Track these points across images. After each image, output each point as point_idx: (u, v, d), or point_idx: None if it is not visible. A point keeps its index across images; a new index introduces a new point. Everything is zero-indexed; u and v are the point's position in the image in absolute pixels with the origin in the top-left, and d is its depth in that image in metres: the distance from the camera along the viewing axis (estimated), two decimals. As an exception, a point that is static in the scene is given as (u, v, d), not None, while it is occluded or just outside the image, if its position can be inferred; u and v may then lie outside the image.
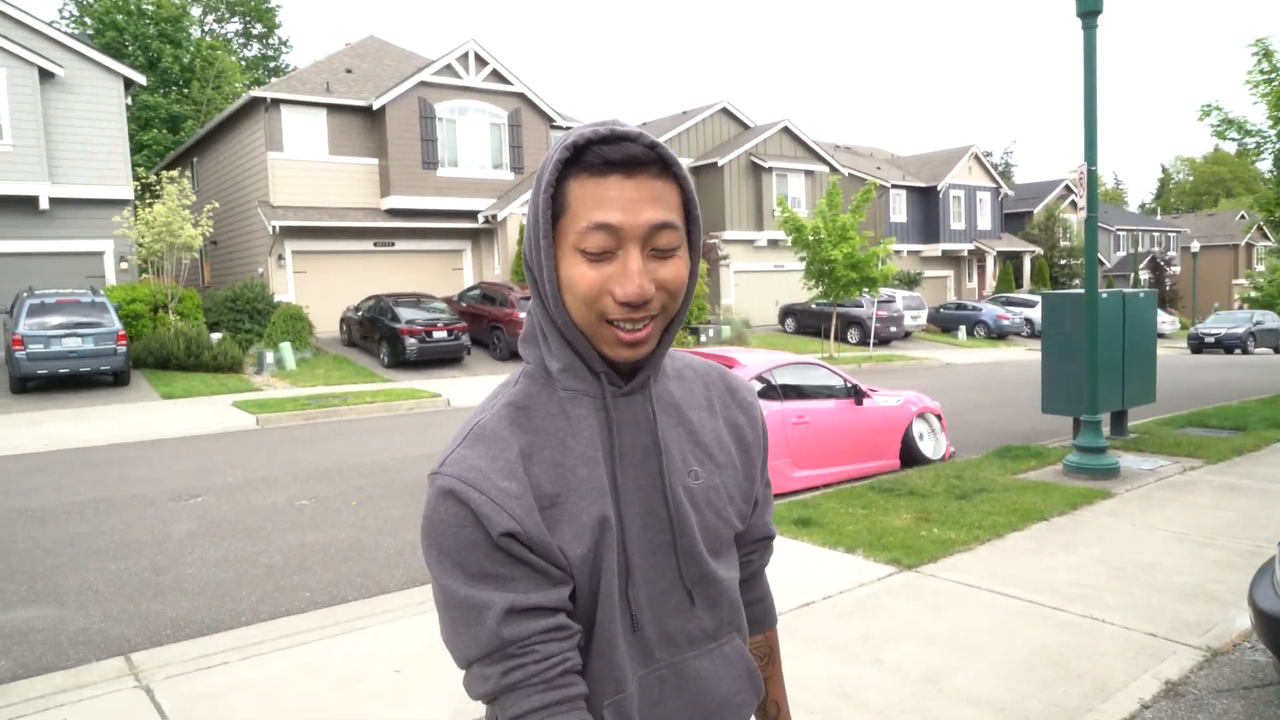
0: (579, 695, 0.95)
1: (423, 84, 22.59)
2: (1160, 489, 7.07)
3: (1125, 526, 5.93)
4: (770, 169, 29.36)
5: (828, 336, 24.43)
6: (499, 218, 22.93)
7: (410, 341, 17.97)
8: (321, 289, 21.97)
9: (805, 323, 27.35)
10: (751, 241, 29.53)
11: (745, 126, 31.01)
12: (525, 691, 0.93)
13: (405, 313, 18.49)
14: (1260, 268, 40.42)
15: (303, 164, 21.92)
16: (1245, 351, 28.76)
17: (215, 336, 18.07)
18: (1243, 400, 13.16)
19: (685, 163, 29.54)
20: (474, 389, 16.13)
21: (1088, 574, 4.92)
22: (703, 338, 23.15)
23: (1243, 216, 53.93)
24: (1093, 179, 7.56)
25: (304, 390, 15.85)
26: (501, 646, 0.93)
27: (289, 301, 20.40)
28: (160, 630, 4.83)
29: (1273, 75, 12.42)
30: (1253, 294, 38.22)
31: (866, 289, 22.50)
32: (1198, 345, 29.48)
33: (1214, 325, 30.14)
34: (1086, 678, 3.58)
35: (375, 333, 18.99)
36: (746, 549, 1.21)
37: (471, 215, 23.53)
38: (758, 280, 29.77)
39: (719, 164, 28.73)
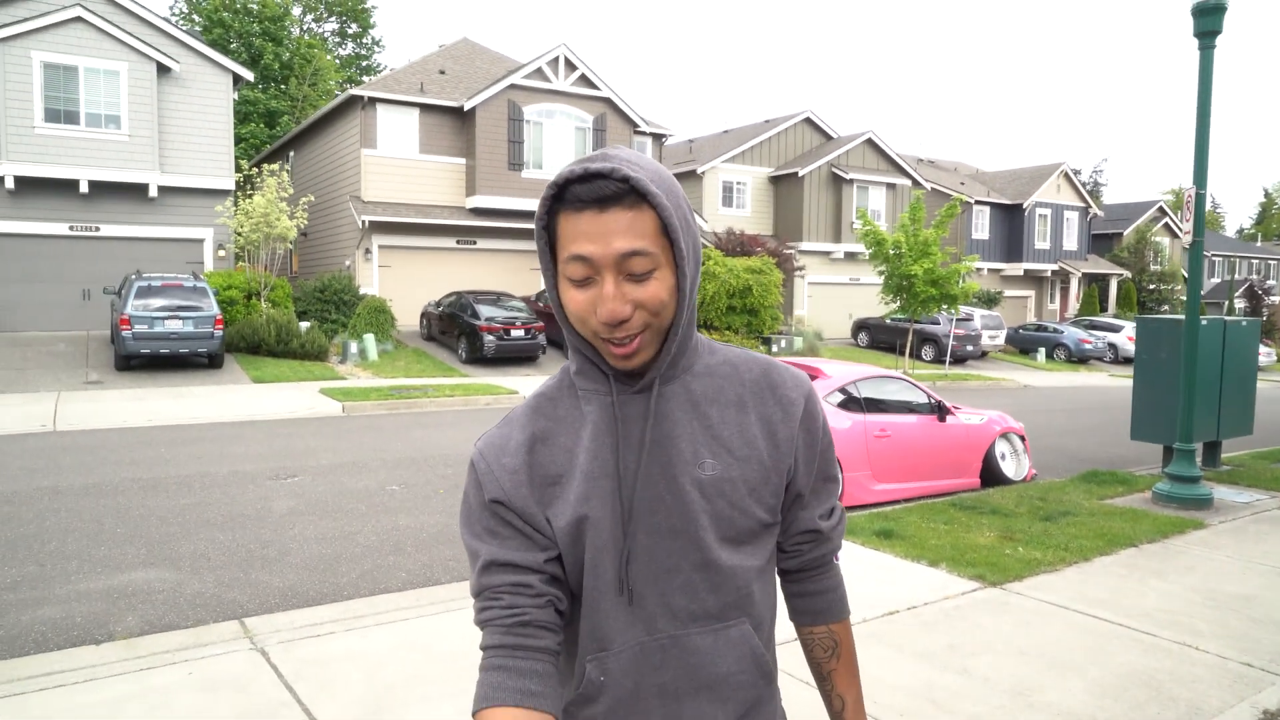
0: (537, 647, 1.09)
1: (512, 86, 23.13)
2: (1256, 522, 6.88)
3: (1219, 557, 5.81)
4: (851, 180, 29.14)
5: (902, 352, 24.13)
6: (578, 220, 23.33)
7: (489, 338, 18.42)
8: (404, 283, 22.65)
9: (879, 337, 27.05)
10: (828, 253, 29.34)
11: (828, 137, 30.86)
12: (490, 630, 1.11)
13: (485, 310, 18.95)
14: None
15: (394, 161, 22.67)
16: (1349, 388, 27.38)
17: (304, 325, 18.80)
18: (1347, 438, 12.60)
19: (765, 172, 29.60)
20: (549, 387, 16.45)
21: (1180, 601, 4.86)
22: (775, 348, 23.12)
23: (1351, 246, 51.24)
24: (1200, 202, 7.41)
25: (386, 381, 16.40)
26: (481, 591, 1.13)
27: (373, 294, 21.11)
28: (269, 598, 5.14)
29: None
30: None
31: (945, 306, 22.17)
32: (1297, 378, 28.17)
33: (1315, 359, 28.77)
34: (1181, 702, 3.58)
35: (455, 328, 19.50)
36: (794, 540, 1.27)
37: (552, 217, 23.98)
38: (832, 292, 29.57)
39: (799, 174, 28.65)
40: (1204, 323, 8.46)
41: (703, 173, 28.51)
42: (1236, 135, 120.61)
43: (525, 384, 16.63)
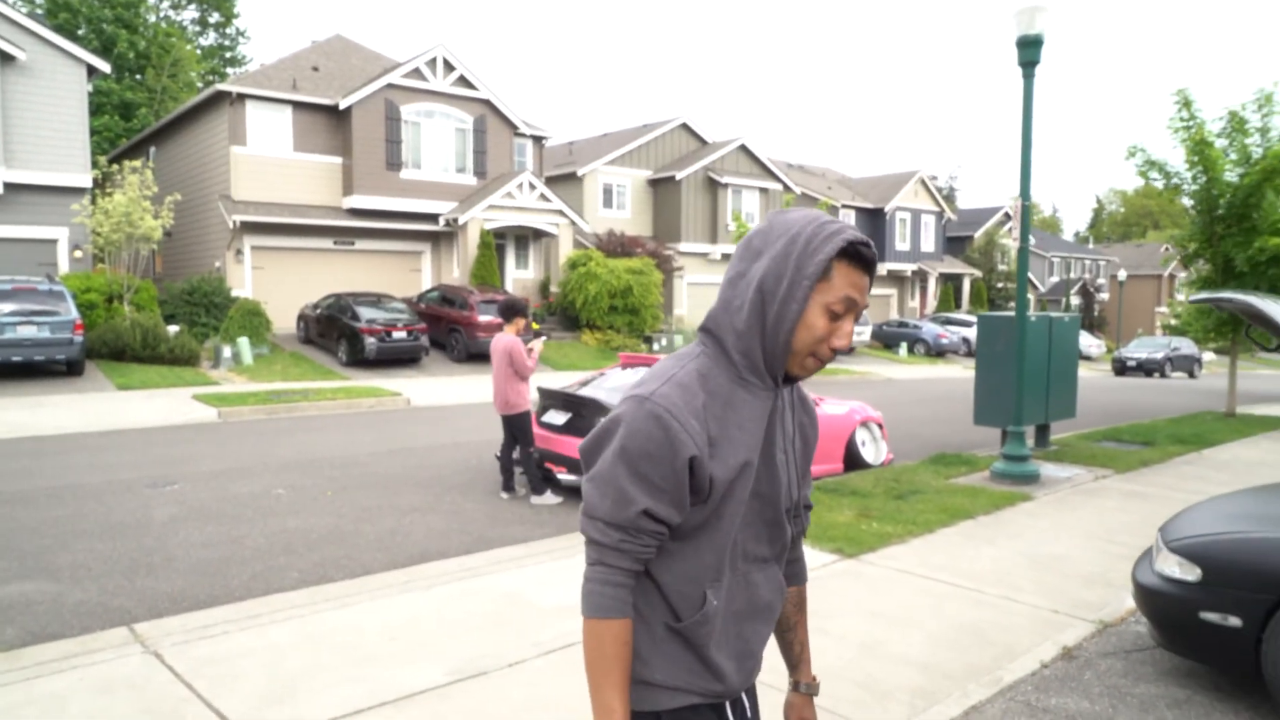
0: (637, 576, 1.41)
1: (390, 86, 22.77)
2: (1074, 494, 7.79)
3: (1042, 525, 6.59)
4: (726, 184, 30.11)
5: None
6: (460, 221, 23.19)
7: (370, 341, 18.14)
8: (279, 285, 21.95)
9: (755, 334, 28.09)
10: (705, 254, 30.22)
11: (703, 142, 31.74)
12: (622, 555, 1.37)
13: (365, 312, 18.65)
14: (1180, 297, 42.53)
15: (266, 160, 21.92)
16: (1163, 375, 30.37)
17: (172, 329, 17.99)
18: (1154, 419, 14.17)
19: (644, 175, 30.20)
20: (434, 389, 16.40)
21: (1006, 563, 5.54)
22: (655, 346, 23.69)
23: (1166, 249, 56.56)
24: (1025, 213, 8.27)
25: (263, 385, 15.93)
26: (627, 525, 1.36)
27: (247, 297, 20.38)
28: (159, 603, 5.11)
29: (1190, 123, 13.46)
30: (1172, 322, 40.18)
31: (815, 304, 23.28)
32: (1120, 368, 31.02)
33: (1135, 350, 31.75)
34: (999, 644, 4.16)
35: (334, 331, 19.09)
36: (794, 512, 1.57)
37: (432, 218, 23.75)
38: (710, 292, 30.47)
39: (677, 178, 29.38)
40: (1032, 319, 9.41)
41: (583, 175, 28.84)
42: (1076, 146, 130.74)
43: (410, 386, 16.50)
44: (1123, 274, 43.95)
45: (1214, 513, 3.99)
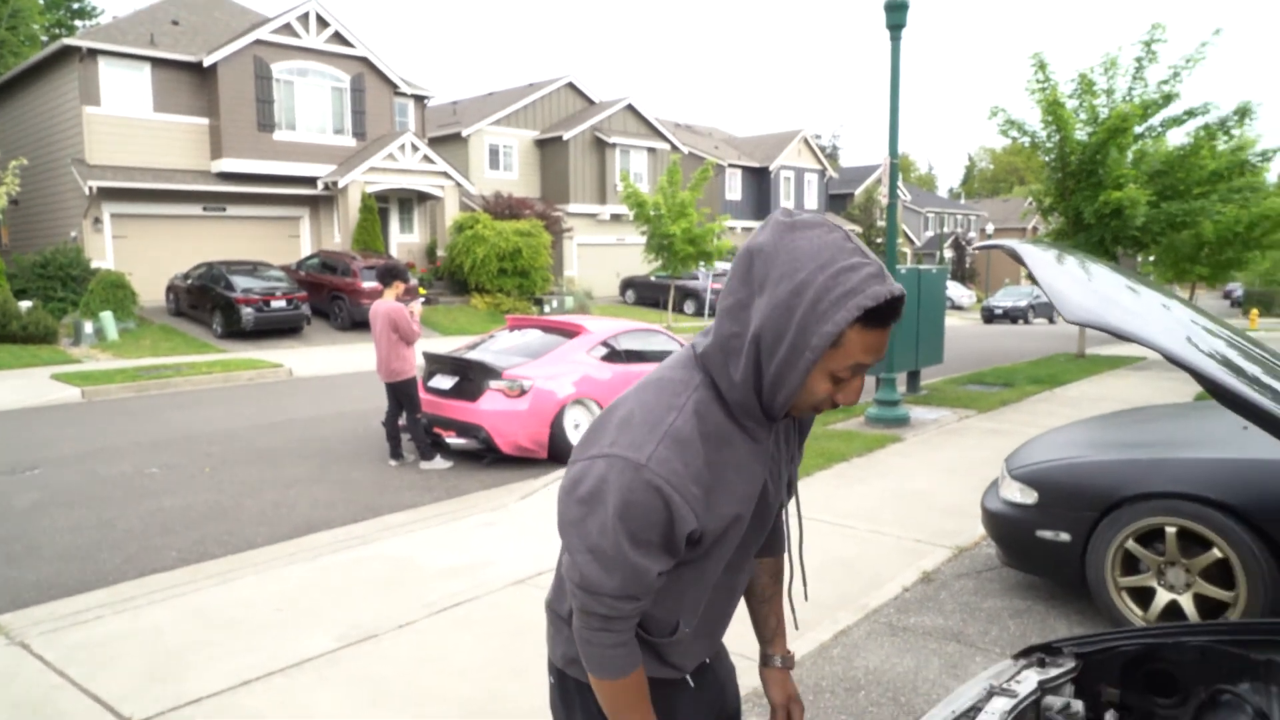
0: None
1: (259, 42, 21.55)
2: (940, 434, 8.32)
3: (909, 464, 7.03)
4: (614, 145, 30.00)
5: (666, 307, 25.50)
6: (340, 185, 22.34)
7: (246, 311, 17.39)
8: (145, 255, 20.67)
9: (645, 294, 28.35)
10: (595, 215, 30.14)
11: (590, 102, 31.45)
12: (631, 619, 1.28)
13: (241, 281, 17.83)
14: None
15: (124, 121, 20.45)
16: (1026, 322, 32.40)
17: (24, 305, 16.73)
18: (1015, 363, 15.16)
19: (530, 135, 29.73)
20: (317, 359, 15.91)
21: (876, 501, 5.90)
22: (546, 308, 23.60)
23: (1029, 203, 59.93)
24: (894, 170, 8.64)
25: (131, 362, 15.08)
26: (643, 594, 1.25)
27: (108, 268, 19.11)
28: (22, 594, 4.86)
29: (1045, 85, 14.25)
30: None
31: (703, 262, 23.64)
32: (989, 316, 32.89)
33: (1002, 299, 33.68)
34: (867, 574, 4.46)
35: (207, 302, 18.20)
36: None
37: (310, 181, 22.77)
38: (600, 253, 30.46)
39: (564, 138, 29.08)
40: (902, 271, 9.88)
41: (468, 135, 28.17)
42: (951, 106, 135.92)
43: (292, 357, 15.95)
44: (990, 228, 46.31)
45: (1050, 443, 4.36)
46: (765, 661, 1.65)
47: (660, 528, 1.20)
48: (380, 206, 23.95)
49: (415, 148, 23.65)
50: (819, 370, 1.17)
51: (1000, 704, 1.52)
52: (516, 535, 5.47)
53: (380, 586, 4.60)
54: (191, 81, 21.38)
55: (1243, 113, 13.94)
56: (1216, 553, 3.50)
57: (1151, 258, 17.52)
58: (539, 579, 4.67)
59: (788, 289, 1.13)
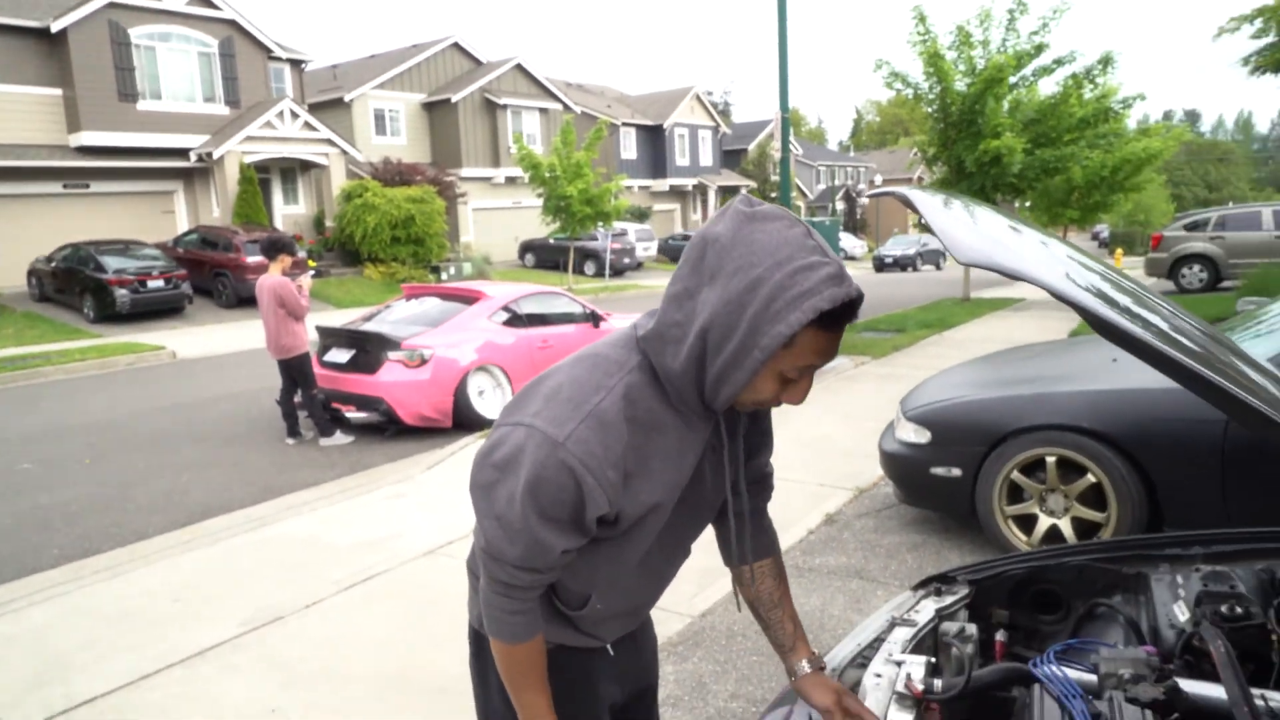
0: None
1: (113, 4, 19.97)
2: (838, 381, 8.61)
3: (810, 412, 7.24)
4: (505, 106, 29.34)
5: (566, 269, 25.31)
6: (214, 156, 21.12)
7: (121, 292, 16.36)
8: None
9: (544, 257, 28.07)
10: (489, 179, 29.53)
11: (478, 63, 30.59)
12: (532, 590, 1.26)
13: (112, 261, 16.74)
14: (927, 198, 46.88)
15: (-38, 92, 18.72)
16: (915, 269, 33.65)
17: None
18: (905, 309, 15.76)
19: (417, 98, 28.76)
20: (203, 340, 15.15)
21: (780, 448, 6.03)
22: (444, 276, 23.08)
23: (914, 153, 61.92)
24: (785, 124, 8.76)
25: (-6, 352, 14.02)
26: (542, 568, 1.23)
27: (-41, 253, 17.64)
28: (-117, 604, 4.50)
29: (926, 37, 14.64)
30: (921, 221, 44.16)
31: (601, 223, 23.53)
32: (880, 265, 33.99)
33: (892, 248, 34.83)
34: (776, 519, 4.57)
35: (75, 285, 17.02)
36: (749, 484, 1.47)
37: (182, 153, 21.45)
38: (497, 217, 29.92)
39: (453, 100, 28.25)
40: (796, 224, 10.08)
41: (351, 100, 27.03)
42: (839, 60, 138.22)
43: (174, 338, 15.13)
44: (879, 178, 47.67)
45: (941, 384, 4.56)
46: (793, 672, 1.48)
47: (569, 507, 1.17)
48: (261, 177, 22.79)
49: (295, 115, 22.55)
50: (767, 370, 1.13)
51: (901, 634, 1.59)
52: (426, 506, 5.38)
53: (286, 567, 4.46)
54: (39, 49, 19.71)
55: (1105, 61, 14.69)
56: (1091, 478, 3.74)
57: (1028, 203, 18.39)
58: (451, 548, 4.61)
59: (741, 284, 1.08)
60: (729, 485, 1.35)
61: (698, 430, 1.25)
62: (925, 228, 44.41)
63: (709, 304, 1.11)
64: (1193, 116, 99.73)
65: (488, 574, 1.25)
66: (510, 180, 29.51)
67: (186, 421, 8.61)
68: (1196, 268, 16.77)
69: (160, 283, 16.92)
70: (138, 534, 5.37)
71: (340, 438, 7.41)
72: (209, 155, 21.23)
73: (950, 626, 1.61)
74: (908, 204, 1.42)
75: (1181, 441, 3.51)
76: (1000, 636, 1.66)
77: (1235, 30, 14.09)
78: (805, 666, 1.47)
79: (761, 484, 1.53)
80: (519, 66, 30.15)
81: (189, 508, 5.83)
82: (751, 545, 1.50)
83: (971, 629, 1.60)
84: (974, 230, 1.38)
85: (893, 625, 1.62)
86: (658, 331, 1.19)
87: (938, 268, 34.98)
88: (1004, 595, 1.77)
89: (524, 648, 1.28)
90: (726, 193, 42.76)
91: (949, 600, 1.71)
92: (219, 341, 14.91)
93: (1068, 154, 14.84)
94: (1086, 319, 1.31)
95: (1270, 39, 13.57)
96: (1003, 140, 13.96)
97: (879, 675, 1.45)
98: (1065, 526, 3.86)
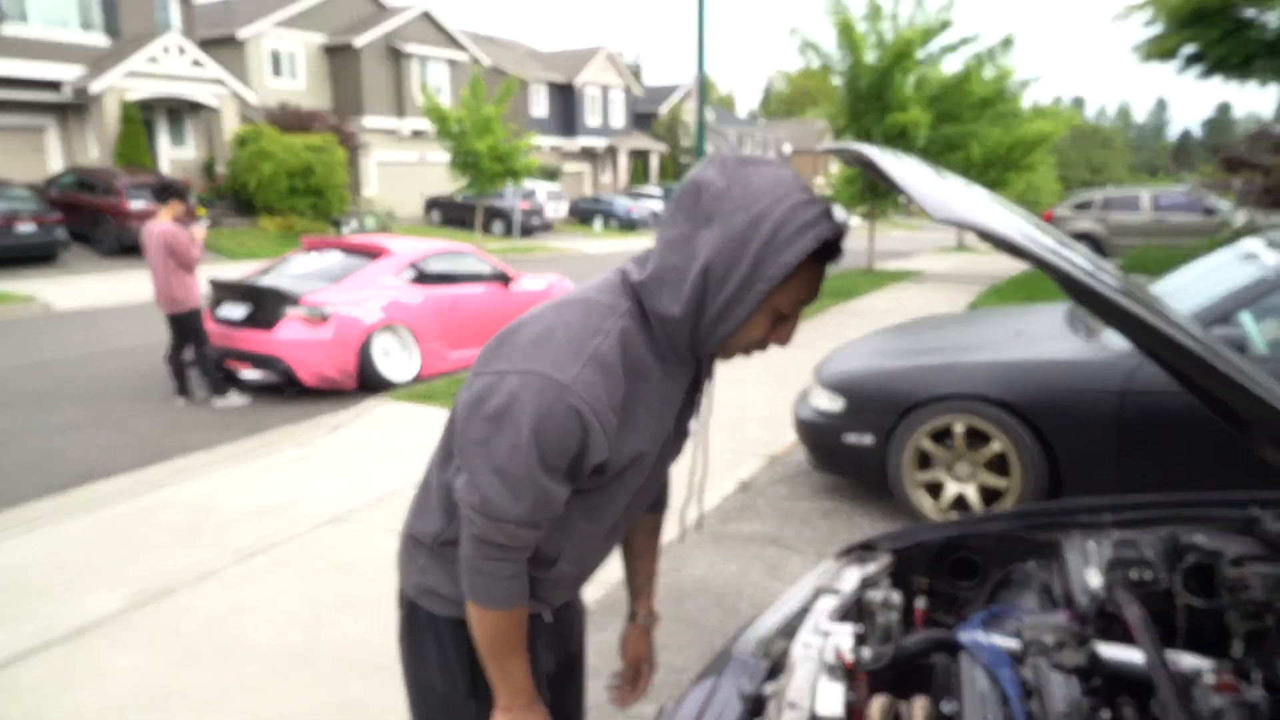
0: None
1: (-33, -84, 18.16)
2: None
3: (724, 377, 7.28)
4: (411, 55, 28.25)
5: (474, 228, 24.76)
6: (92, 90, 19.58)
7: (-15, 236, 15.11)
8: None
9: (451, 215, 27.37)
10: (394, 131, 28.48)
11: (381, 7, 29.28)
12: (528, 548, 1.23)
13: (-26, 201, 15.41)
14: (833, 169, 47.81)
15: None
16: (822, 239, 34.33)
17: None
18: (814, 278, 16.05)
19: (318, 40, 27.38)
20: (81, 290, 14.17)
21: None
22: (345, 230, 22.25)
23: (823, 124, 62.92)
24: (702, 86, 8.71)
25: None
26: (543, 522, 1.20)
27: None
28: None
29: (839, 6, 14.80)
30: (827, 192, 44.99)
31: (510, 181, 23.08)
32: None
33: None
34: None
35: (-69, 227, 15.61)
36: None
37: (54, 85, 19.79)
38: (401, 172, 28.93)
39: (355, 45, 27.00)
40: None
41: (245, 39, 25.47)
42: (749, 30, 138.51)
43: (48, 288, 14.09)
44: (788, 148, 48.31)
45: (855, 352, 4.66)
46: (628, 617, 1.63)
47: (572, 454, 1.15)
48: (145, 117, 21.31)
49: (183, 50, 21.11)
50: (765, 305, 1.16)
51: (827, 603, 1.60)
52: (328, 472, 5.20)
53: (178, 535, 4.23)
54: (-116, -41, 17.78)
55: (1006, 43, 15.23)
56: (996, 445, 3.90)
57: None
58: (357, 515, 4.47)
59: (744, 220, 1.11)
60: (680, 436, 1.36)
61: (677, 380, 1.26)
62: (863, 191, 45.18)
63: (709, 243, 1.13)
64: (1078, 102, 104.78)
65: (481, 538, 1.19)
66: (416, 134, 28.54)
67: (64, 379, 8.05)
68: (1084, 245, 17.70)
69: (30, 227, 15.69)
70: (8, 499, 5.00)
71: (235, 398, 7.07)
72: (85, 89, 19.69)
73: (875, 595, 1.64)
74: (862, 162, 1.38)
75: (1081, 411, 3.69)
76: (921, 604, 1.70)
77: (1127, 18, 14.78)
78: (639, 619, 1.63)
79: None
80: (426, 14, 29.04)
81: (69, 471, 5.46)
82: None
83: (895, 597, 1.62)
84: (946, 188, 1.36)
85: (818, 594, 1.63)
86: (656, 275, 1.18)
87: (842, 238, 35.83)
88: (925, 563, 1.81)
89: (516, 613, 1.24)
90: (637, 156, 42.53)
91: (873, 568, 1.73)
92: (100, 293, 13.97)
93: (969, 131, 15.35)
94: (1067, 287, 1.28)
95: (1158, 29, 14.30)
96: (909, 115, 14.32)
97: (807, 645, 1.46)
98: (970, 493, 4.02)
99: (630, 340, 1.19)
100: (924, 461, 4.13)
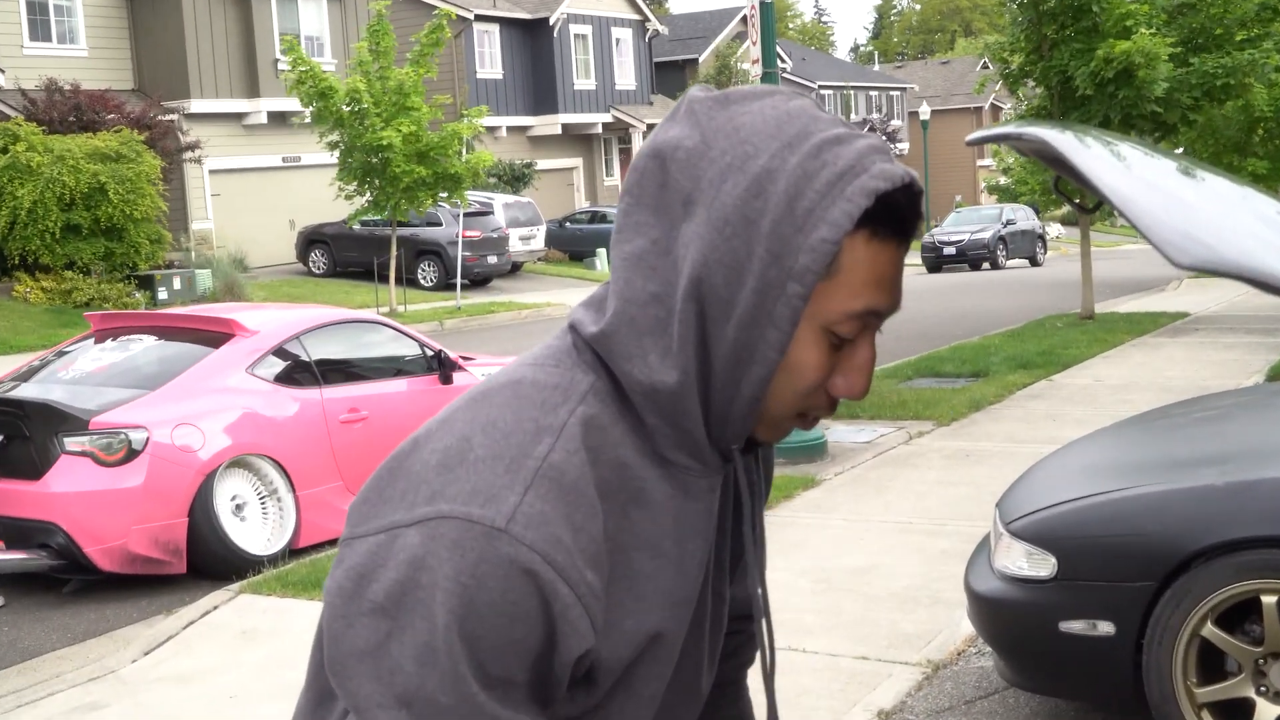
0: None
1: None
2: (879, 466, 8.76)
3: (834, 522, 7.33)
4: (265, -13, 29.34)
5: (384, 278, 25.03)
6: None
7: None
8: None
9: (346, 256, 27.92)
10: (241, 117, 29.36)
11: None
12: None
13: None
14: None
15: None
16: (994, 265, 34.56)
17: None
18: (985, 336, 16.17)
19: (105, -26, 28.44)
20: None
21: (786, 592, 6.06)
22: (162, 293, 22.63)
23: (985, 65, 63.90)
24: (768, 13, 8.89)
25: None
26: None
27: None
28: None
29: None
30: (1001, 180, 45.32)
31: (446, 193, 23.46)
32: (935, 260, 34.85)
33: (954, 229, 35.83)
34: (783, 725, 4.53)
35: None
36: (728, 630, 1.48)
37: None
38: (255, 184, 29.70)
39: (170, -23, 28.11)
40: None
41: (-17, -22, 26.64)
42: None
43: None
44: (926, 109, 48.97)
45: (1065, 468, 4.62)
46: None
47: (530, 650, 1.09)
48: None
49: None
50: (807, 324, 1.11)
51: None
52: (140, 724, 5.21)
53: None
54: None
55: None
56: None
57: (1179, 149, 19.08)
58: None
59: (738, 190, 1.09)
60: (735, 569, 1.38)
61: (699, 497, 1.22)
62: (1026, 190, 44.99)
63: (694, 241, 1.11)
64: None
65: None
66: (278, 118, 29.36)
67: None
68: None
69: None
70: None
71: (-25, 599, 7.14)
72: None
73: None
74: (1050, 158, 1.38)
75: None
76: None
77: None
78: None
79: (742, 629, 1.55)
80: (291, -82, 30.23)
81: None
82: None
83: None
84: (1195, 205, 1.35)
85: None
86: (623, 317, 1.15)
87: (1034, 262, 35.92)
88: None
89: None
90: (664, 136, 43.20)
91: None
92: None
93: (1244, 62, 15.46)
94: None
95: None
96: (1136, 41, 14.48)
97: None
98: (1299, 717, 3.92)
99: (601, 437, 1.15)
100: (1210, 662, 4.04)
